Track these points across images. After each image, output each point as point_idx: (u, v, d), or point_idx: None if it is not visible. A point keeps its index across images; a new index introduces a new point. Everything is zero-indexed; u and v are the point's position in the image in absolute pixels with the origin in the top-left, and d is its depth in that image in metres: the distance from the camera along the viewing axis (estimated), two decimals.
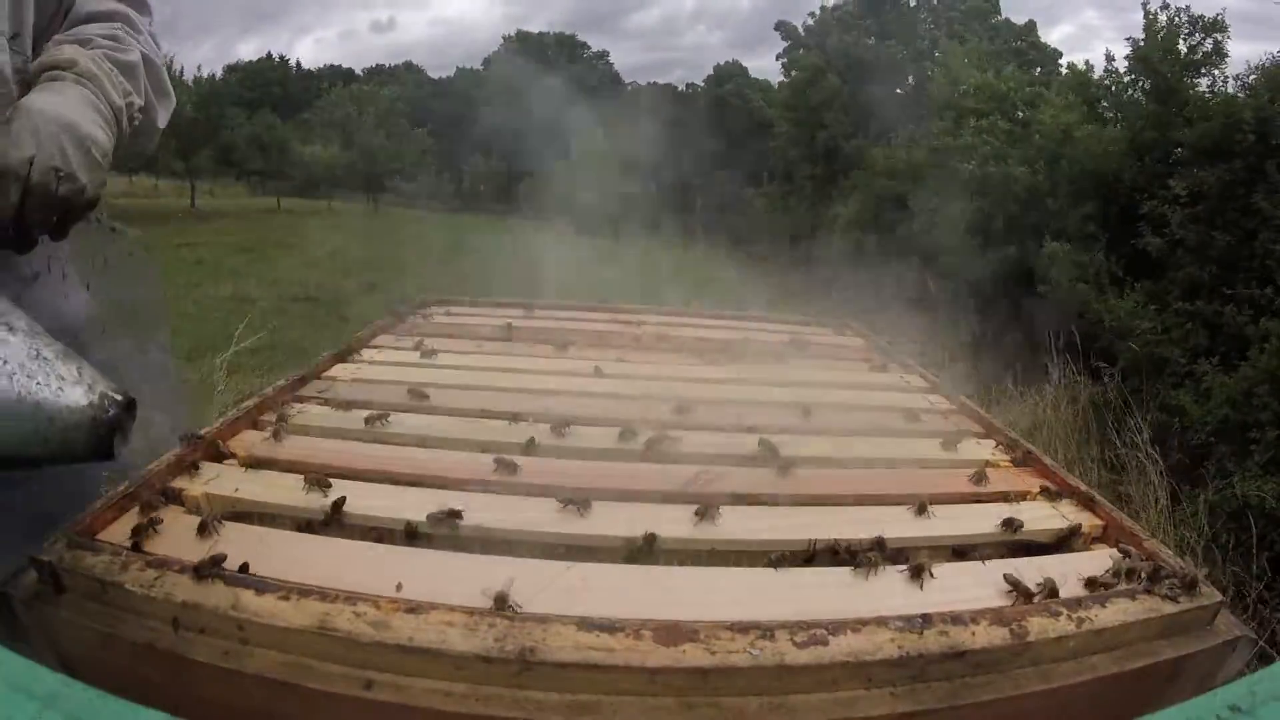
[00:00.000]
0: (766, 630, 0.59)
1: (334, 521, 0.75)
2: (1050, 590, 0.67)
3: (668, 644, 0.57)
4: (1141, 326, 5.69)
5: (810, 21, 17.83)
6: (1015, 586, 0.69)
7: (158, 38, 1.05)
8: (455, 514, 0.72)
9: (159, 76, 0.97)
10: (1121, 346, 5.81)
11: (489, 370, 1.24)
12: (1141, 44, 7.45)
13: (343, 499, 0.76)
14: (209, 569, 0.62)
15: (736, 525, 0.77)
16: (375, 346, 1.33)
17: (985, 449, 1.05)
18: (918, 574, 0.69)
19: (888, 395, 1.28)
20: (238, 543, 0.69)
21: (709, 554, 0.74)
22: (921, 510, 0.84)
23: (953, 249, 9.03)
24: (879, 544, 0.74)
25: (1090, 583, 0.71)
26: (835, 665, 0.57)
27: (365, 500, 0.77)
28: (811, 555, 0.76)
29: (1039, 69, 13.04)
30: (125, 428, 0.63)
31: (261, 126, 25.12)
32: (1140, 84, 7.86)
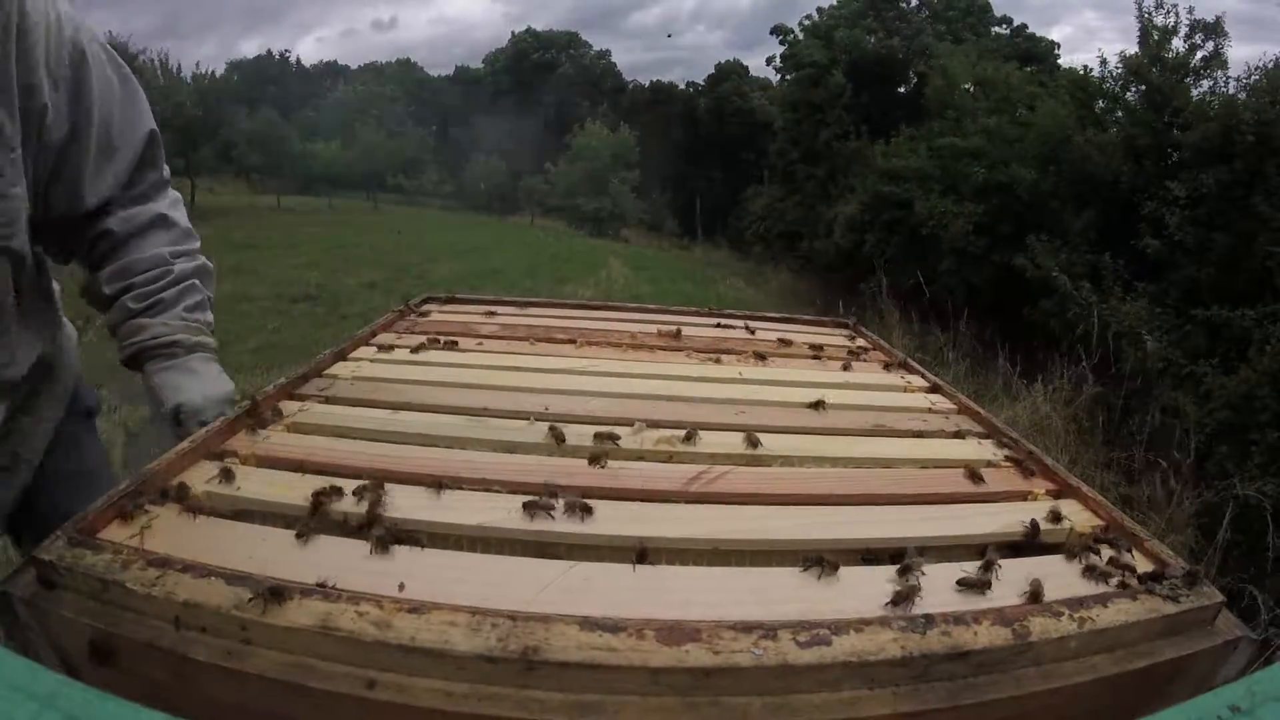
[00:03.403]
0: (769, 630, 0.59)
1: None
2: (1035, 590, 0.67)
3: (670, 644, 0.57)
4: (1149, 328, 5.68)
5: (808, 22, 17.81)
6: (986, 565, 0.69)
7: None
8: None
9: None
10: (1124, 348, 5.81)
11: (491, 369, 1.23)
12: (1135, 54, 7.45)
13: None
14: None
15: (738, 525, 0.77)
16: (375, 344, 1.33)
17: (986, 449, 1.05)
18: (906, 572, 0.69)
19: (889, 395, 1.27)
20: (239, 542, 0.69)
21: (711, 553, 0.74)
22: (921, 510, 0.84)
23: (957, 250, 9.05)
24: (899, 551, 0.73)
25: (1092, 578, 0.71)
26: (838, 665, 0.57)
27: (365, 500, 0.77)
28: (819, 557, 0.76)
29: (1034, 66, 13.06)
30: None
31: (262, 123, 25.09)
32: (1135, 88, 7.86)
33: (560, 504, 0.75)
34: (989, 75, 10.23)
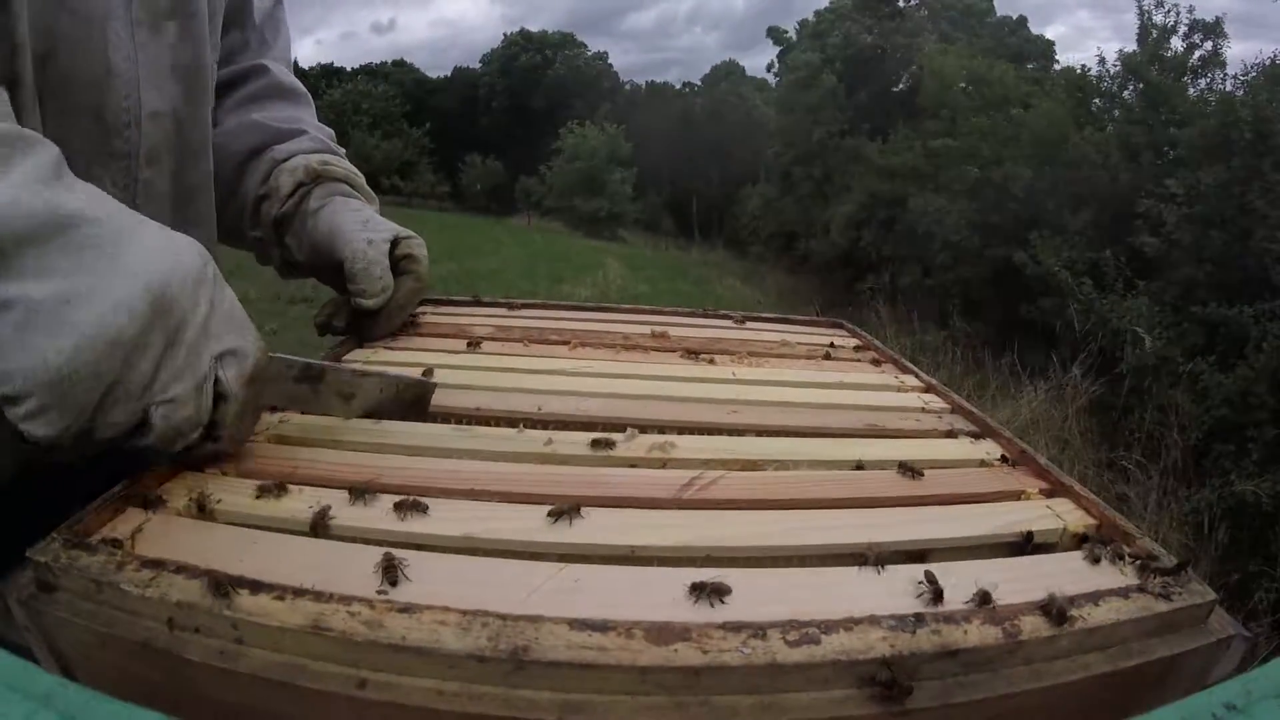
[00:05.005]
0: (758, 629, 0.59)
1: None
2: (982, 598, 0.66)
3: (659, 643, 0.57)
4: (1147, 325, 5.70)
5: (806, 21, 17.86)
6: (930, 582, 0.67)
7: None
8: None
9: None
10: (1124, 346, 5.81)
11: (486, 371, 1.23)
12: (1135, 52, 7.47)
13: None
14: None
15: (732, 530, 0.77)
16: (369, 347, 1.33)
17: (980, 448, 1.05)
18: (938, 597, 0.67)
19: (882, 395, 1.27)
20: (232, 545, 0.69)
21: (705, 559, 0.74)
22: (914, 512, 0.84)
23: (952, 248, 9.07)
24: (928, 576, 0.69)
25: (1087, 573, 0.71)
26: (827, 664, 0.58)
27: (360, 510, 0.77)
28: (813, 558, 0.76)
29: (1031, 64, 13.09)
30: None
31: None
32: (1132, 86, 7.88)
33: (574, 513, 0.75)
34: (983, 74, 10.24)
